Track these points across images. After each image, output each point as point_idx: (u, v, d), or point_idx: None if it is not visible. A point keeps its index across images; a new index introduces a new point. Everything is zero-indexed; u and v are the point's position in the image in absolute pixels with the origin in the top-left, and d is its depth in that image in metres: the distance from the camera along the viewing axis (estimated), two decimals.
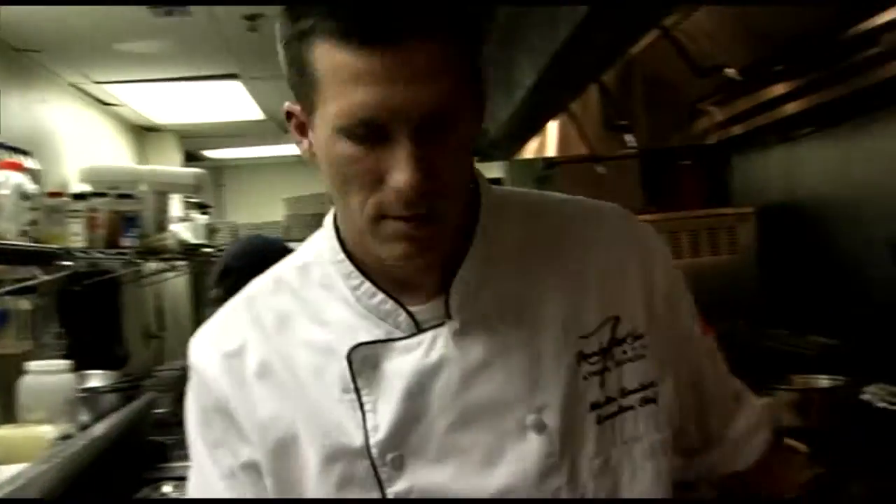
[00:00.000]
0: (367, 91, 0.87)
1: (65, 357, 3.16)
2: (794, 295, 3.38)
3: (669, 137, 3.90)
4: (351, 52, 0.87)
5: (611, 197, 1.17)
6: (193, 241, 4.89)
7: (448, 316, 1.01)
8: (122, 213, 3.76)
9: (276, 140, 6.57)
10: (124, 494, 3.18)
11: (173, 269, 5.10)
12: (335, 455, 1.01)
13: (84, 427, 3.06)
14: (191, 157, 6.64)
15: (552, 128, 4.23)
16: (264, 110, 5.44)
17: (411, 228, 0.93)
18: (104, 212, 3.68)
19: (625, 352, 1.04)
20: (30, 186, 2.98)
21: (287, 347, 1.06)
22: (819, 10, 2.52)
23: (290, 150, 7.23)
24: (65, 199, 3.52)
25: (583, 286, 1.05)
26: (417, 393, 1.00)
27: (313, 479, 1.02)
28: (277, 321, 1.07)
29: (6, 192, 2.85)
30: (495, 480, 0.99)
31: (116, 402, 3.45)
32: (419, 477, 0.99)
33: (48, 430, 2.74)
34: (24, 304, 3.21)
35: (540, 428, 0.99)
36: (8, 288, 3.01)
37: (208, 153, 7.17)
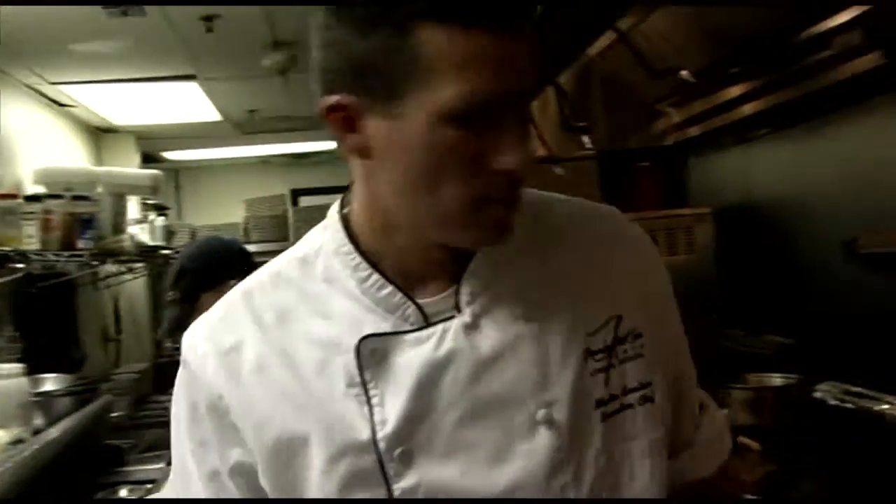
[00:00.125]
0: (488, 74, 0.88)
1: (20, 360, 3.13)
2: (750, 295, 3.41)
3: (627, 139, 3.92)
4: (471, 37, 0.87)
5: None
6: (151, 242, 4.85)
7: (458, 310, 1.01)
8: (78, 215, 3.71)
9: (234, 142, 6.53)
10: (80, 499, 3.14)
11: (131, 271, 5.05)
12: (340, 451, 0.99)
13: (37, 431, 3.02)
14: (149, 159, 6.57)
15: None
16: (221, 112, 5.40)
17: (507, 212, 0.96)
18: (59, 214, 3.63)
19: (626, 350, 1.05)
20: None
21: (287, 342, 1.04)
22: (774, 13, 2.55)
23: (248, 151, 7.18)
24: (19, 201, 3.49)
25: (586, 285, 1.06)
26: (427, 386, 0.98)
27: (317, 478, 0.99)
28: (277, 316, 1.06)
29: None
30: (504, 477, 0.98)
31: (71, 406, 3.41)
32: (427, 473, 0.98)
33: (0, 435, 2.70)
34: None
35: (550, 423, 0.99)
36: None
37: (167, 154, 7.09)
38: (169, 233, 5.43)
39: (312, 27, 0.97)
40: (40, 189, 4.03)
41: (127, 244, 4.18)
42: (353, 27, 0.91)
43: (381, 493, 0.98)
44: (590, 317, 1.04)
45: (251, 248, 5.20)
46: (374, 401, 0.99)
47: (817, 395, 2.47)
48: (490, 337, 1.00)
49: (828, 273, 2.85)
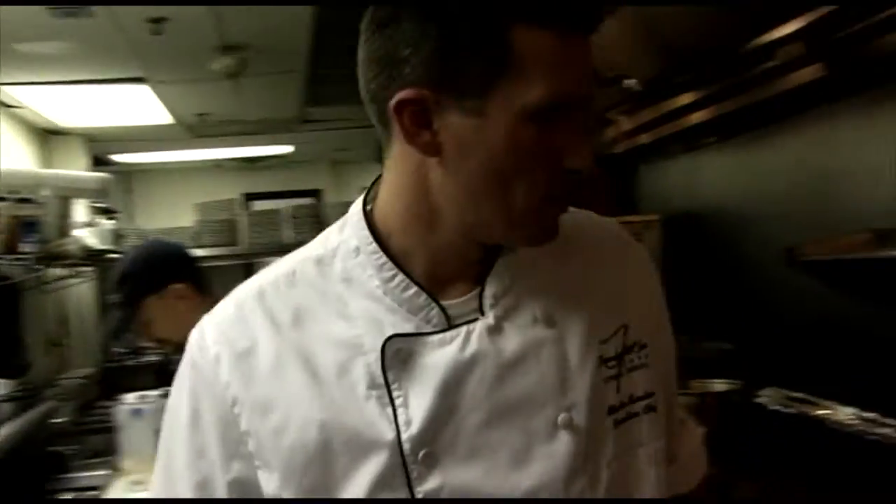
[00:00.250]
0: (572, 76, 0.92)
1: None
2: (696, 301, 3.44)
3: None
4: (561, 38, 0.91)
5: None
6: (98, 246, 4.79)
7: (481, 312, 1.01)
8: (22, 218, 3.66)
9: (186, 145, 6.48)
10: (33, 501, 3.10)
11: (77, 275, 4.98)
12: (363, 453, 0.97)
13: None
14: (99, 162, 6.50)
15: None
16: (173, 114, 5.36)
17: (562, 212, 0.99)
18: (3, 216, 3.58)
19: (633, 360, 1.06)
20: None
21: (305, 343, 1.02)
22: (722, 23, 2.58)
23: (200, 155, 7.13)
24: None
25: (597, 293, 1.07)
26: (452, 388, 0.98)
27: (340, 481, 0.98)
28: (293, 316, 1.03)
29: None
30: (525, 480, 0.98)
31: (13, 412, 3.36)
32: (450, 475, 0.97)
33: None
34: None
35: (570, 427, 0.99)
36: None
37: (118, 157, 7.02)
38: (118, 236, 5.37)
39: (370, 19, 0.97)
40: None
41: (72, 248, 4.13)
42: (440, 22, 0.91)
43: (403, 496, 0.97)
44: (602, 325, 1.05)
45: (202, 252, 5.17)
46: (398, 402, 0.98)
47: (759, 400, 2.50)
48: (512, 340, 1.00)
49: (770, 280, 2.89)
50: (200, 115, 5.45)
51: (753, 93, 2.70)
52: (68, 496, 3.36)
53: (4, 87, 4.44)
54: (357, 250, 1.04)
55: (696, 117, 3.11)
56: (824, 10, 2.16)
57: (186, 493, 1.04)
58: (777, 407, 2.50)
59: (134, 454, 3.38)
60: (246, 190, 6.73)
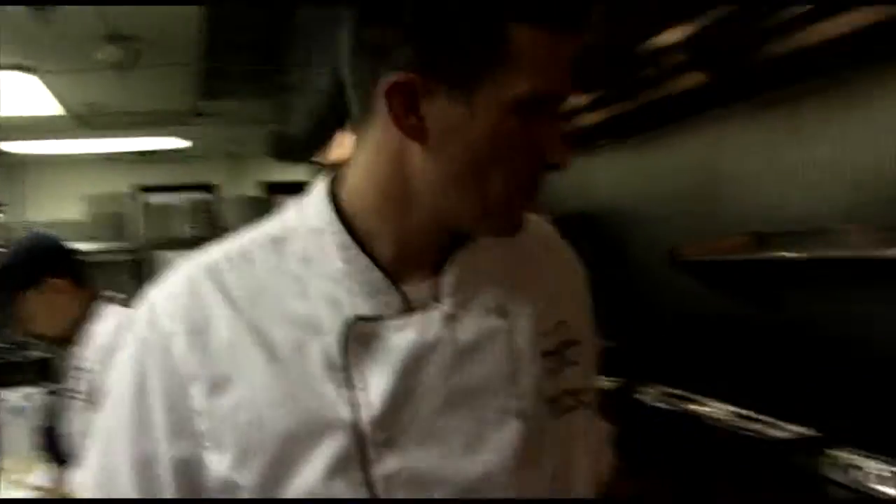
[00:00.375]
0: (557, 73, 0.96)
1: None
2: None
3: None
4: (551, 36, 0.94)
5: None
6: None
7: (439, 299, 1.03)
8: None
9: (77, 135, 6.31)
10: None
11: None
12: (319, 434, 0.97)
13: None
14: None
15: None
16: (62, 104, 5.22)
17: (532, 204, 1.02)
18: None
19: (569, 355, 1.10)
20: None
21: (262, 321, 1.01)
22: (614, 24, 2.62)
23: (92, 146, 6.95)
24: None
25: (541, 290, 1.11)
26: (411, 372, 0.99)
27: (297, 462, 0.97)
28: (249, 294, 1.02)
29: None
30: (477, 466, 1.00)
31: None
32: (406, 459, 0.98)
33: None
34: None
35: (521, 415, 1.02)
36: None
37: (6, 147, 6.80)
38: (6, 229, 5.21)
39: (360, 6, 0.98)
40: None
41: None
42: (439, 13, 0.93)
43: (359, 478, 0.97)
44: (544, 319, 1.09)
45: (93, 246, 5.06)
46: (357, 384, 0.99)
47: (639, 397, 2.55)
48: (467, 329, 1.03)
49: (655, 280, 2.95)
50: (90, 105, 5.32)
51: (644, 96, 2.75)
52: None
53: None
54: (319, 230, 1.04)
55: (590, 119, 3.15)
56: (707, 19, 2.22)
57: (127, 471, 1.01)
58: (657, 403, 2.56)
59: (14, 453, 3.28)
60: (139, 182, 6.57)
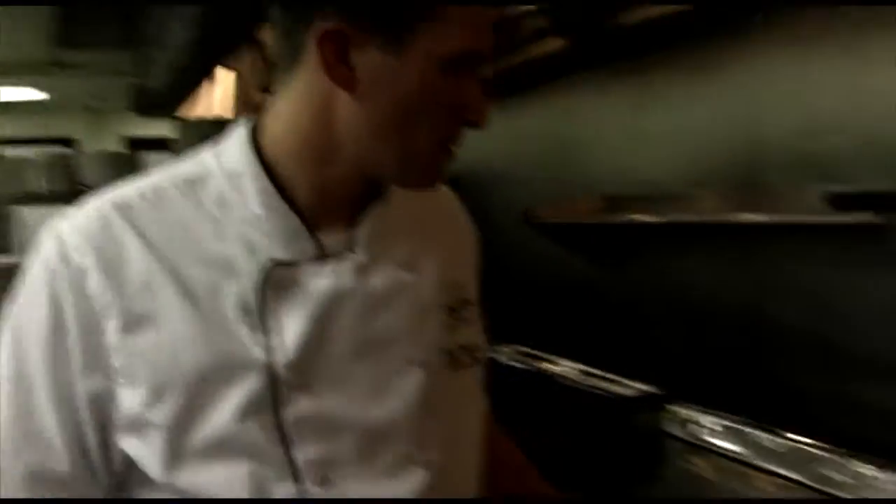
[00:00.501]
0: (486, 32, 1.00)
1: None
2: None
3: None
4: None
5: None
6: None
7: (353, 250, 1.05)
8: None
9: None
10: None
11: None
12: (233, 375, 0.98)
13: None
14: None
15: (227, 88, 4.16)
16: None
17: (450, 159, 1.05)
18: None
19: (463, 313, 1.14)
20: None
21: (177, 261, 1.00)
22: None
23: None
24: None
25: (443, 250, 1.15)
26: (325, 317, 1.01)
27: (209, 402, 0.97)
28: (164, 234, 1.02)
29: None
30: (382, 412, 1.03)
31: None
32: (317, 402, 1.00)
33: None
34: None
35: (423, 365, 1.06)
36: None
37: None
38: None
39: None
40: None
41: None
42: None
43: (270, 420, 0.98)
44: (444, 277, 1.13)
45: None
46: (272, 327, 0.99)
47: (495, 356, 2.61)
48: (378, 279, 1.06)
49: (510, 241, 3.01)
50: None
51: (506, 60, 2.78)
52: None
53: None
54: (238, 174, 1.04)
55: None
56: None
57: (45, 403, 1.00)
58: (511, 362, 2.63)
59: None
60: None
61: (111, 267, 1.00)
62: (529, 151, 2.97)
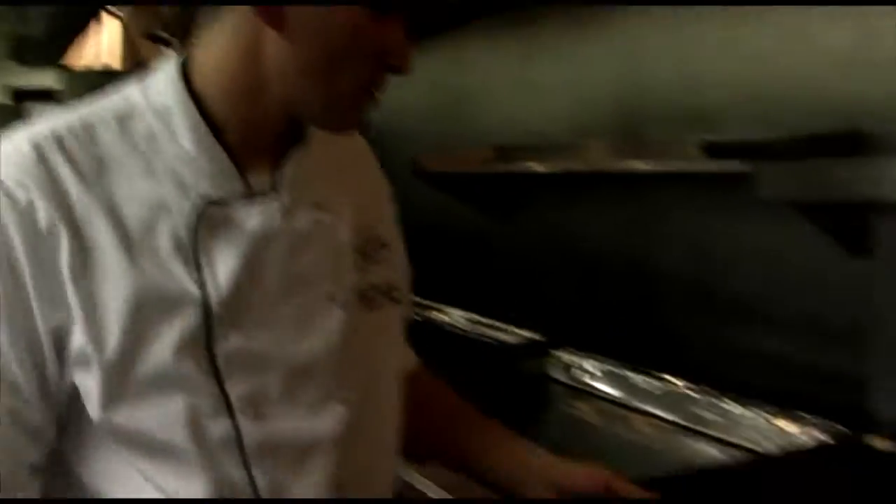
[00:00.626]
0: None
1: None
2: None
3: None
4: None
5: None
6: None
7: (276, 190, 1.05)
8: None
9: None
10: None
11: None
12: (168, 312, 0.97)
13: None
14: None
15: (114, 36, 4.06)
16: None
17: (371, 103, 1.04)
18: None
19: (378, 253, 1.15)
20: None
21: (111, 198, 0.99)
22: None
23: None
24: None
25: (356, 194, 1.14)
26: (255, 256, 1.01)
27: (147, 338, 0.97)
28: (98, 168, 0.99)
29: None
30: (305, 349, 1.04)
31: None
32: (247, 339, 1.00)
33: None
34: None
35: (342, 303, 1.07)
36: None
37: None
38: None
39: None
40: None
41: None
42: None
43: (204, 356, 0.99)
44: (357, 219, 1.13)
45: None
46: (205, 265, 1.00)
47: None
48: (300, 220, 1.05)
49: (398, 191, 3.02)
50: None
51: None
52: None
53: None
54: (167, 110, 1.03)
55: None
56: None
57: (8, 348, 0.97)
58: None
59: None
60: None
61: (55, 199, 0.98)
62: (419, 102, 2.97)
